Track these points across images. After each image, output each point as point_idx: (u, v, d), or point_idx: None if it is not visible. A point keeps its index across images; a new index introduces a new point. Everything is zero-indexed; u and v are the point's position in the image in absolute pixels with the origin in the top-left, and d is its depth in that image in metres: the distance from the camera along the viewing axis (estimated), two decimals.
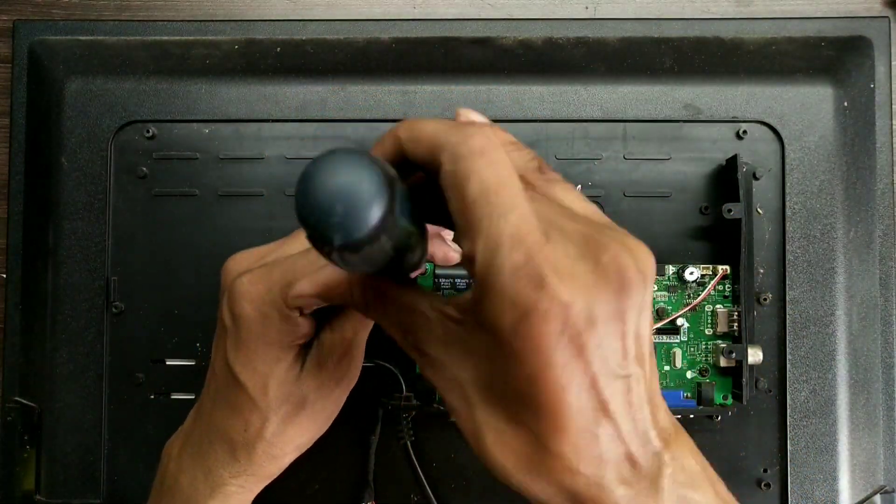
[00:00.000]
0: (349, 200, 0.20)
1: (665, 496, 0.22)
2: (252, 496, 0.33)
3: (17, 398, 0.43)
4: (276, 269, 0.29)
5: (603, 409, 0.22)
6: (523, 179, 0.25)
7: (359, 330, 0.32)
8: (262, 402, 0.30)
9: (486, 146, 0.22)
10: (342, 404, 0.33)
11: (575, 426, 0.22)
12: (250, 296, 0.29)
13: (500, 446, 0.23)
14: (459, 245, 0.23)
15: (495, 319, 0.22)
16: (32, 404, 0.43)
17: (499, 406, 0.23)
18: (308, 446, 0.33)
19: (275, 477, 0.33)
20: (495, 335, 0.22)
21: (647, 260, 0.23)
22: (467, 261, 0.22)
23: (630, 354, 0.22)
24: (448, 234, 0.38)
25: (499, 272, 0.21)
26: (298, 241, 0.32)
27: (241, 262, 0.32)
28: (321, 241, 0.21)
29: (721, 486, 0.24)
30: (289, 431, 0.32)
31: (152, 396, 0.44)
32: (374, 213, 0.20)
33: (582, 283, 0.21)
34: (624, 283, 0.22)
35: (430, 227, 0.26)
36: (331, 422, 0.33)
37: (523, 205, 0.22)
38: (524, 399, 0.22)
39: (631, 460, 0.22)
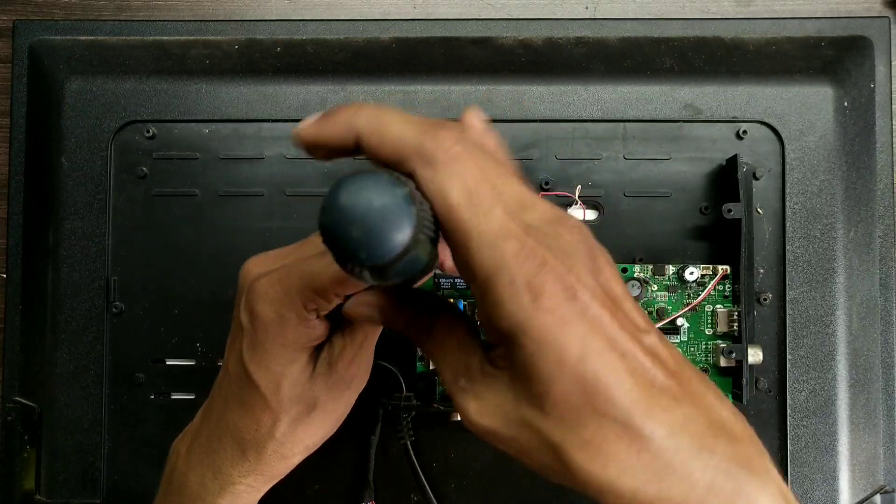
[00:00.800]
0: (378, 224, 0.20)
1: None
2: (259, 495, 0.33)
3: (17, 398, 0.43)
4: (295, 272, 0.29)
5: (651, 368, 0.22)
6: None
7: (369, 334, 0.32)
8: (274, 402, 0.31)
9: (460, 152, 0.22)
10: (351, 406, 0.34)
11: (644, 390, 0.22)
12: (269, 297, 0.29)
13: (604, 460, 0.22)
14: (447, 243, 0.23)
15: (517, 315, 0.22)
16: (32, 404, 0.43)
17: (571, 425, 0.22)
18: (317, 447, 0.33)
19: (282, 477, 0.33)
20: (523, 338, 0.22)
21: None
22: (461, 262, 0.23)
23: (640, 323, 0.23)
24: None
25: (501, 259, 0.22)
26: (316, 244, 0.32)
27: (260, 265, 0.32)
28: (347, 261, 0.21)
29: None
30: (299, 432, 0.32)
31: (152, 396, 0.44)
32: (403, 235, 0.21)
33: (573, 258, 0.22)
34: (592, 250, 0.23)
35: None
36: (340, 423, 0.34)
37: (500, 201, 0.22)
38: (586, 395, 0.22)
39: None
